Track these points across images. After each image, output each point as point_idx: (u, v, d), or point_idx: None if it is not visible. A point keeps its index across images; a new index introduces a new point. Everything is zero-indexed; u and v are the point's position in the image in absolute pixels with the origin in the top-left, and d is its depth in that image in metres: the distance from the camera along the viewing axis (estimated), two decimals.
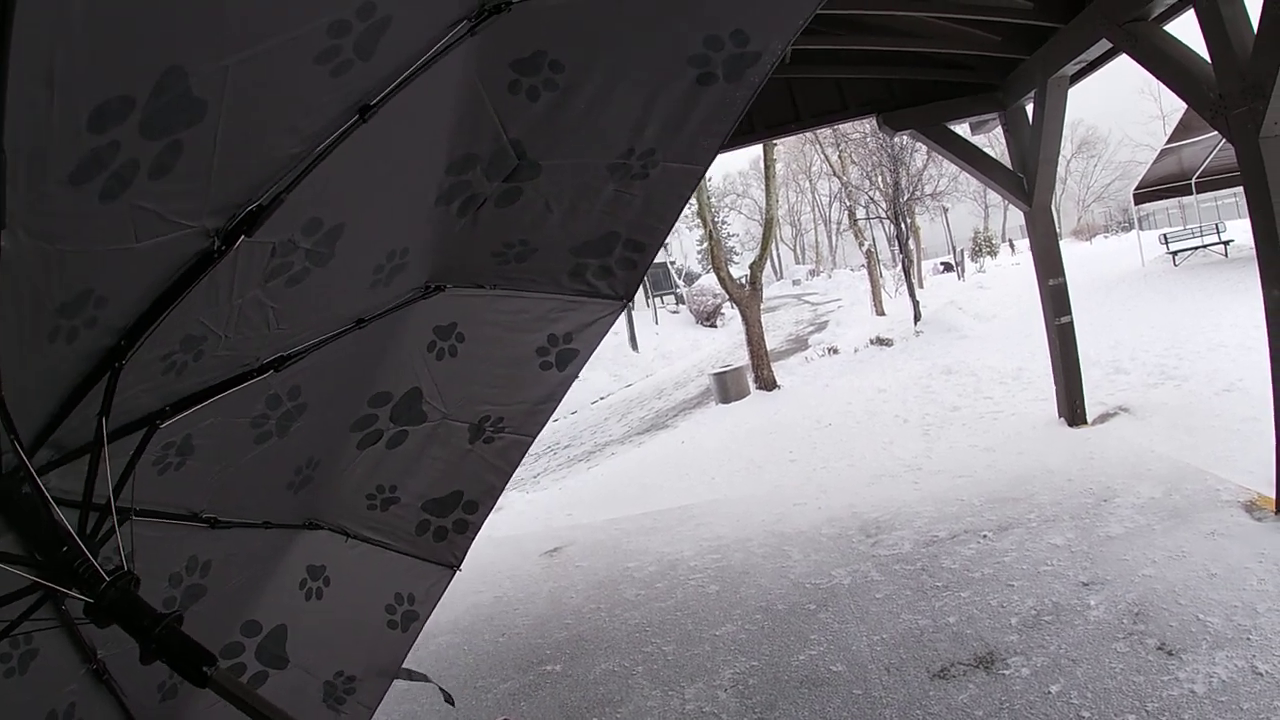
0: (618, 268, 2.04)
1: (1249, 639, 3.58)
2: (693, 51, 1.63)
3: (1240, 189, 4.77)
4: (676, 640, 4.92)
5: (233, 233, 1.37)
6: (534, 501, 10.88)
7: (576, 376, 2.28)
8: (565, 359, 2.22)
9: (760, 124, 8.10)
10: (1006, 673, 3.80)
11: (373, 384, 2.11)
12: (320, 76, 1.27)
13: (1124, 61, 6.01)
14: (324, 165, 1.39)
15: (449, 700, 2.79)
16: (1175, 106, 23.47)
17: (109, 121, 1.05)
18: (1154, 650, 3.70)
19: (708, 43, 1.62)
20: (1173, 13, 5.38)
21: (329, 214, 1.51)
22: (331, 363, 1.87)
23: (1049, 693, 3.56)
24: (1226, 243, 20.15)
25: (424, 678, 2.64)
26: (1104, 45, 6.08)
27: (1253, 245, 4.73)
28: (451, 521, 2.38)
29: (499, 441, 2.32)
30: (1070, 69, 6.80)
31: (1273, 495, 4.87)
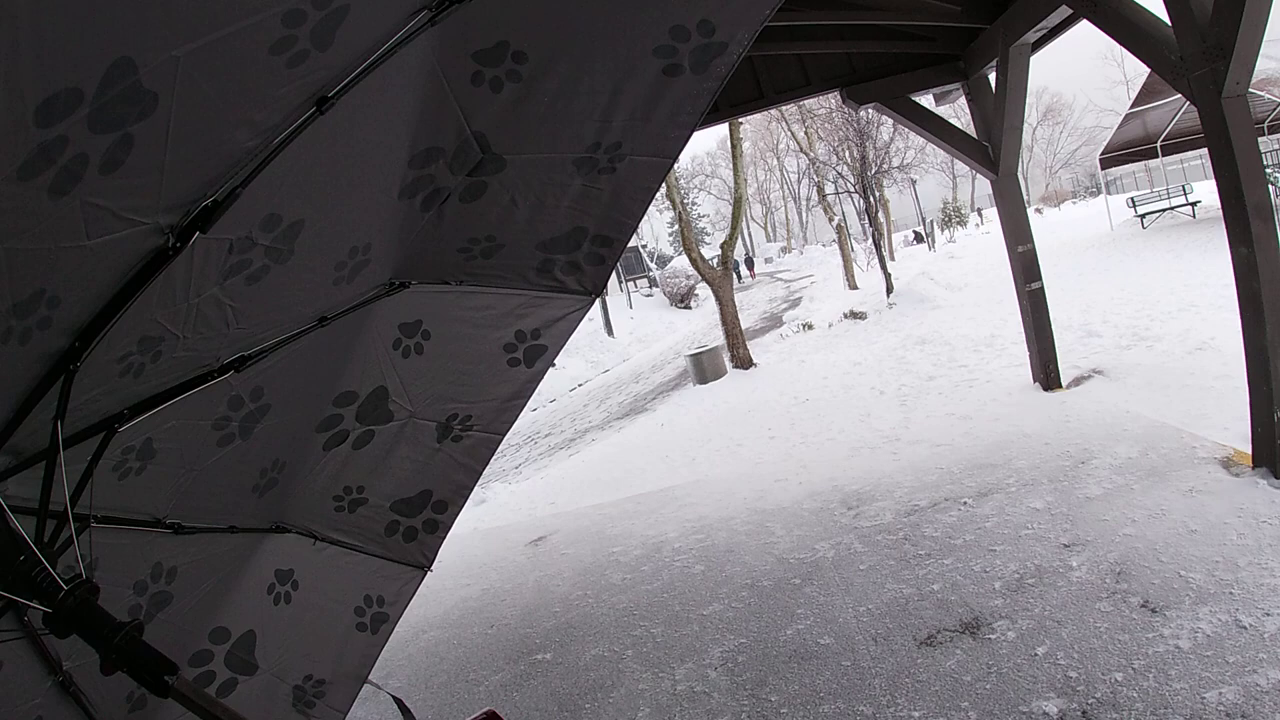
0: (586, 263, 2.02)
1: (1231, 593, 3.64)
2: (658, 43, 1.61)
3: (1205, 150, 4.82)
4: (665, 622, 4.95)
5: (187, 229, 1.34)
6: (517, 492, 10.86)
7: (545, 373, 2.26)
8: (533, 355, 2.20)
9: (725, 103, 8.08)
10: (992, 637, 3.85)
11: (338, 383, 2.08)
12: (276, 67, 1.24)
13: (1085, 27, 6.03)
14: (281, 159, 1.36)
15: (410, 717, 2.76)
16: (1139, 71, 23.70)
17: (56, 115, 1.02)
18: (1137, 608, 3.75)
19: (674, 34, 1.60)
20: None
21: (288, 209, 1.48)
22: (294, 362, 1.84)
23: (1035, 654, 3.61)
24: (1194, 204, 20.41)
25: (395, 699, 2.59)
26: (1064, 12, 6.10)
27: (1219, 205, 4.78)
28: (421, 522, 2.35)
29: (467, 440, 2.30)
30: (1031, 36, 6.82)
31: (1249, 451, 4.94)
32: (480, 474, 2.41)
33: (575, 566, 6.43)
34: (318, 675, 2.33)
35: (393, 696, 2.56)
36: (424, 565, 2.43)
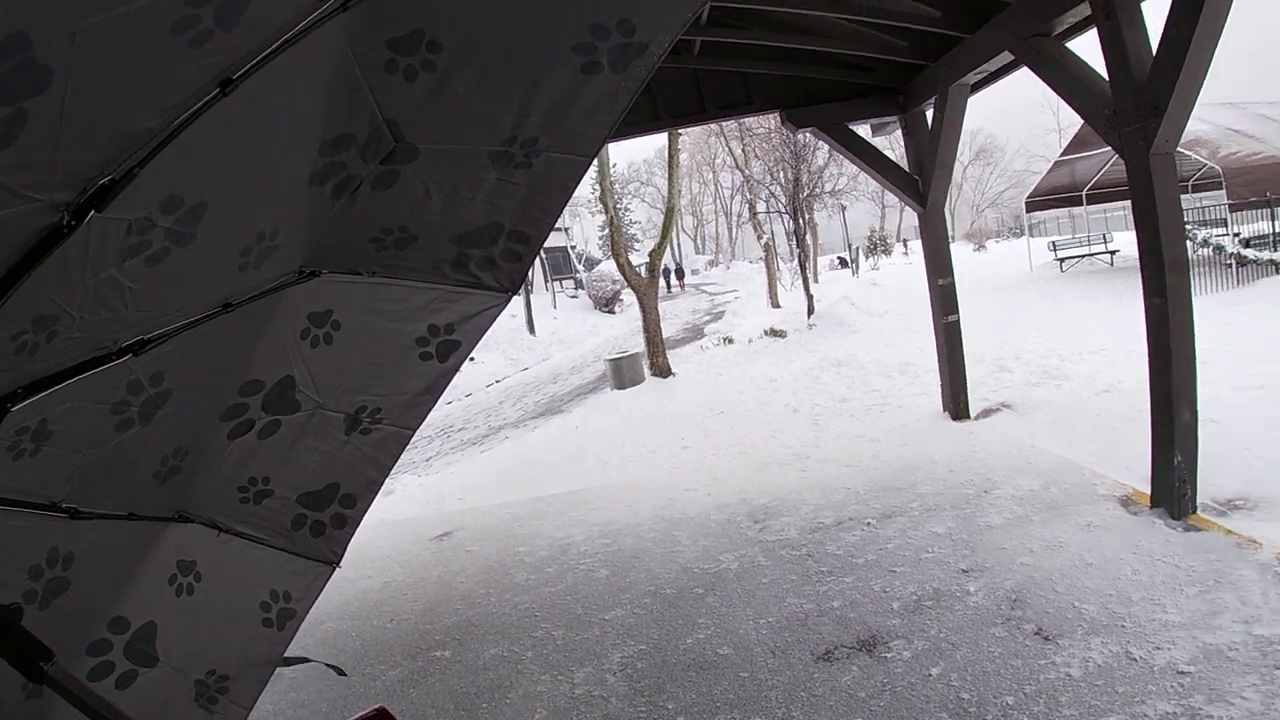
0: (502, 259, 1.98)
1: (1123, 626, 3.79)
2: (578, 40, 1.59)
3: (1128, 202, 5.06)
4: (566, 625, 4.93)
5: (83, 207, 1.28)
6: (426, 485, 10.70)
7: (459, 369, 2.20)
8: (447, 350, 2.14)
9: (666, 113, 8.14)
10: (888, 655, 3.93)
11: (243, 371, 2.01)
12: (178, 46, 1.19)
13: (1025, 74, 6.21)
14: (182, 140, 1.31)
15: (341, 672, 2.70)
16: (1072, 121, 24.84)
17: None
18: (1031, 635, 3.88)
19: (593, 31, 1.58)
20: (1075, 30, 5.62)
21: (190, 192, 1.43)
22: (197, 348, 1.76)
23: (930, 675, 3.70)
24: (1113, 252, 21.46)
25: (304, 660, 2.54)
26: (1006, 57, 6.28)
27: (1137, 256, 5.00)
28: (329, 516, 2.29)
29: (376, 433, 2.24)
30: (972, 78, 7.04)
31: (1148, 491, 5.17)
32: (390, 469, 2.34)
33: (480, 564, 6.35)
34: (221, 670, 2.24)
35: (285, 659, 2.49)
36: (332, 561, 2.36)
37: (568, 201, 1.96)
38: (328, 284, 1.95)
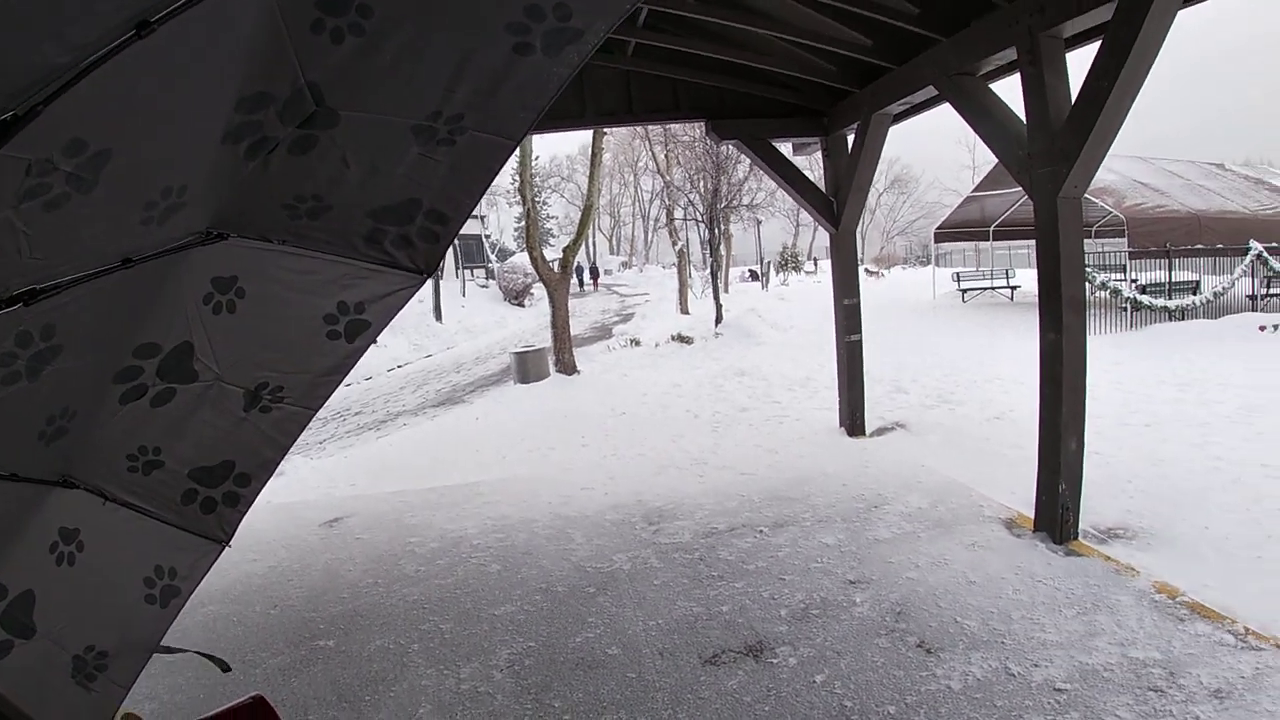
0: (418, 239, 1.91)
1: (1003, 643, 3.95)
2: (511, 19, 1.55)
3: (1033, 241, 5.29)
4: (455, 619, 4.84)
5: None
6: (318, 468, 10.36)
7: (365, 350, 2.13)
8: (355, 330, 2.05)
9: (594, 110, 8.11)
10: (774, 661, 4.00)
11: (139, 333, 1.89)
12: None
13: (946, 110, 6.44)
14: (91, 81, 1.22)
15: (225, 668, 2.58)
16: (986, 160, 25.90)
17: None
18: (914, 648, 4.01)
19: (529, 12, 1.54)
20: (1000, 73, 5.85)
21: (95, 137, 1.33)
22: (92, 304, 1.65)
23: (814, 682, 3.78)
24: (1014, 288, 22.46)
25: (183, 651, 2.41)
26: (931, 92, 6.49)
27: (1037, 292, 5.22)
28: (221, 493, 2.18)
29: (277, 412, 2.13)
30: (895, 108, 7.25)
31: (1031, 515, 5.42)
32: (287, 449, 2.23)
33: (369, 553, 6.19)
34: (100, 646, 2.11)
35: (197, 652, 2.37)
36: (222, 540, 2.24)
37: (489, 184, 1.91)
38: (235, 248, 1.84)
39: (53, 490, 1.94)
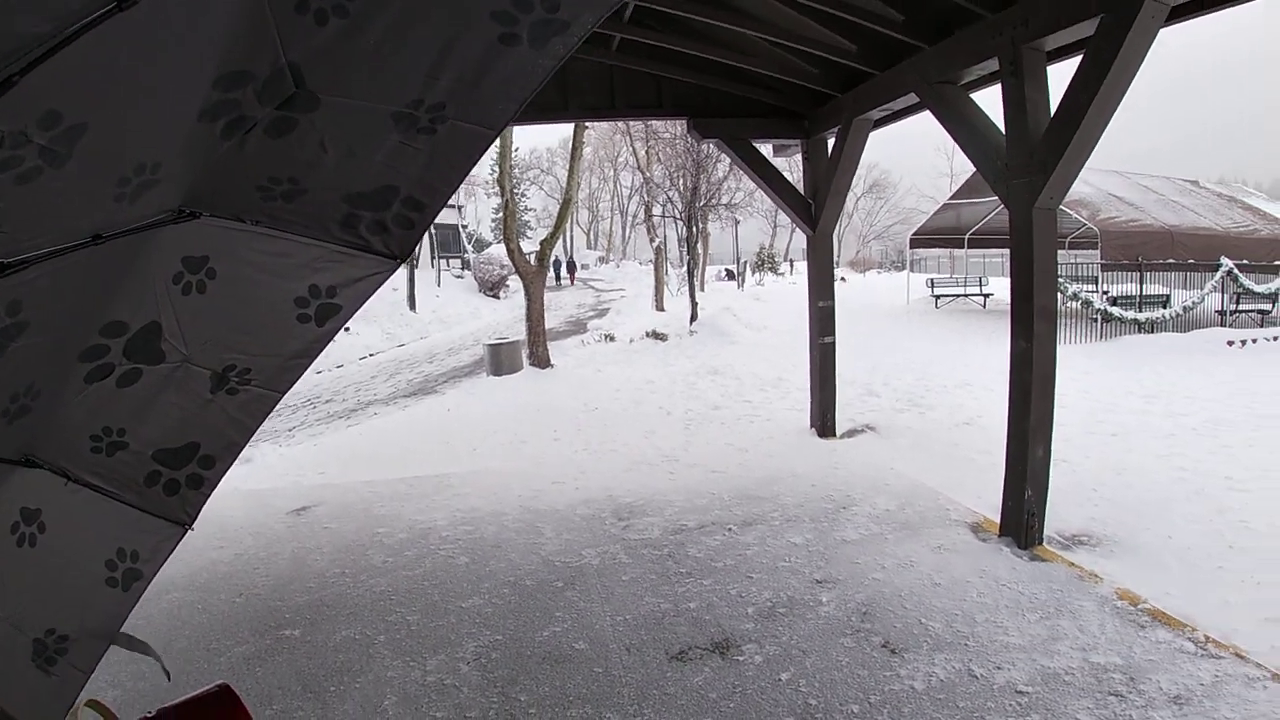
0: (394, 225, 1.89)
1: (967, 644, 4.00)
2: (498, 8, 1.53)
3: (1007, 250, 5.35)
4: (421, 610, 4.81)
5: None
6: (286, 455, 10.25)
7: (335, 334, 2.09)
8: (326, 314, 2.02)
9: (576, 104, 8.10)
10: (740, 659, 4.02)
11: (107, 311, 1.85)
12: None
13: (926, 118, 6.48)
14: (70, 52, 1.19)
15: (167, 676, 2.54)
16: (964, 168, 26.16)
17: None
18: (879, 647, 4.05)
19: (516, 2, 1.53)
20: (981, 83, 5.91)
21: (71, 110, 1.31)
22: (61, 280, 1.61)
23: (779, 679, 3.80)
24: (986, 295, 22.72)
25: (145, 647, 2.38)
26: (912, 99, 6.56)
27: (1010, 301, 5.29)
28: (185, 475, 2.14)
29: (243, 394, 2.10)
30: (876, 114, 7.31)
31: (997, 520, 5.48)
32: (253, 432, 2.20)
33: (336, 542, 6.14)
34: (61, 630, 2.07)
35: (127, 637, 2.33)
36: (184, 522, 2.21)
37: (468, 174, 1.90)
38: (207, 227, 1.81)
39: (15, 469, 1.91)
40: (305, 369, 2.14)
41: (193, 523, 2.21)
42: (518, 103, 1.69)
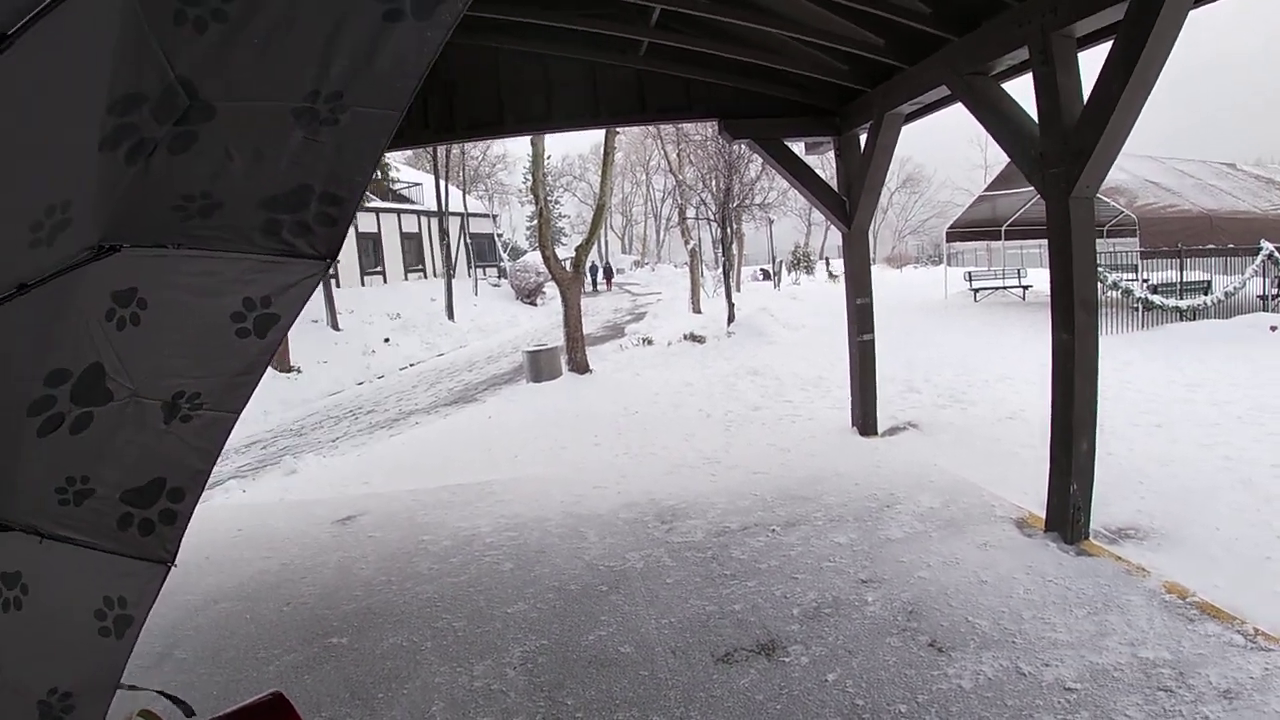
0: (315, 224, 1.82)
1: (1014, 642, 3.95)
2: None
3: (1045, 241, 5.26)
4: (468, 616, 4.87)
5: None
6: (330, 466, 10.41)
7: (279, 344, 2.06)
8: (265, 325, 1.96)
9: (606, 110, 8.15)
10: (787, 660, 4.01)
11: (47, 360, 1.83)
12: None
13: (958, 109, 6.41)
14: None
15: (189, 712, 2.55)
16: (998, 159, 25.76)
17: None
18: (925, 646, 4.01)
19: None
20: (1012, 73, 5.81)
21: None
22: None
23: (826, 680, 3.78)
24: (1025, 287, 22.37)
25: (154, 691, 2.37)
26: (943, 91, 6.47)
27: (1049, 292, 5.20)
28: (157, 513, 2.11)
29: (197, 420, 2.05)
30: (907, 108, 7.23)
31: (1043, 515, 5.40)
32: (216, 457, 2.16)
33: (382, 551, 6.23)
34: (63, 688, 2.06)
35: (159, 692, 2.34)
36: (165, 560, 2.18)
37: (380, 159, 1.87)
38: (130, 259, 1.79)
39: None
40: (255, 384, 2.09)
41: (174, 559, 2.17)
42: (415, 78, 1.64)
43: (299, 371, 18.43)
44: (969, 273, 24.27)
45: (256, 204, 1.77)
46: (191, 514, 2.14)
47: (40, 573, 2.00)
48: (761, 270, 42.93)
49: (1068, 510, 5.13)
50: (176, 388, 2.00)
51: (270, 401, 15.44)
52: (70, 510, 2.01)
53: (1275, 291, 16.79)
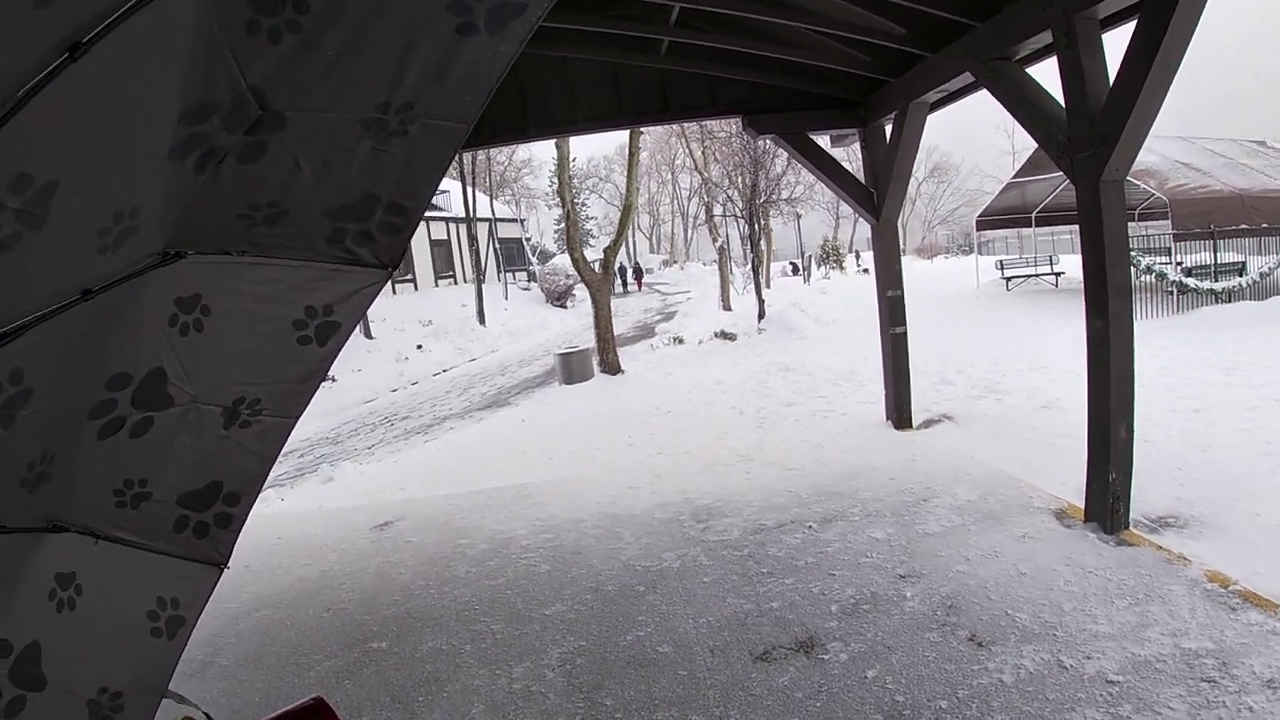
0: (379, 234, 1.85)
1: (1055, 635, 3.91)
2: None
3: (1076, 227, 5.18)
4: (506, 619, 4.90)
5: None
6: (366, 473, 10.52)
7: (339, 352, 2.05)
8: (326, 333, 2.00)
9: (629, 110, 8.14)
10: (826, 657, 4.00)
11: (110, 365, 1.86)
12: (20, 7, 1.11)
13: (983, 96, 6.34)
14: (29, 112, 1.20)
15: None
16: (1025, 145, 25.31)
17: None
18: (965, 641, 3.98)
19: None
20: (1036, 57, 5.74)
21: (40, 169, 1.31)
22: (58, 341, 1.62)
23: (865, 677, 3.77)
24: (1058, 274, 22.01)
25: (197, 708, 2.40)
26: (967, 78, 6.41)
27: (1081, 278, 5.13)
28: (212, 516, 2.14)
29: (257, 426, 2.09)
30: (932, 96, 7.16)
31: (1082, 506, 5.33)
32: (273, 462, 2.19)
33: (419, 555, 6.29)
34: (114, 688, 2.10)
35: (204, 713, 2.37)
36: (219, 562, 2.21)
37: (446, 170, 1.86)
38: (194, 266, 1.82)
39: (43, 537, 1.93)
40: (315, 390, 2.11)
41: (227, 561, 2.18)
42: (485, 92, 1.65)
43: (334, 380, 18.64)
44: (1000, 261, 23.96)
45: (323, 213, 1.80)
46: (246, 518, 2.19)
47: (95, 573, 2.04)
48: (791, 265, 42.71)
49: (1107, 500, 5.05)
50: (238, 394, 2.04)
51: (307, 410, 15.51)
52: (127, 512, 2.05)
53: None
